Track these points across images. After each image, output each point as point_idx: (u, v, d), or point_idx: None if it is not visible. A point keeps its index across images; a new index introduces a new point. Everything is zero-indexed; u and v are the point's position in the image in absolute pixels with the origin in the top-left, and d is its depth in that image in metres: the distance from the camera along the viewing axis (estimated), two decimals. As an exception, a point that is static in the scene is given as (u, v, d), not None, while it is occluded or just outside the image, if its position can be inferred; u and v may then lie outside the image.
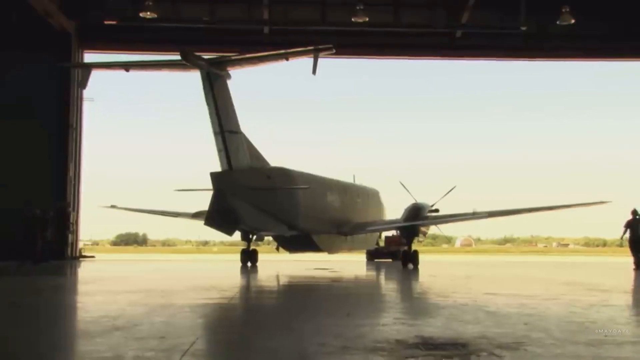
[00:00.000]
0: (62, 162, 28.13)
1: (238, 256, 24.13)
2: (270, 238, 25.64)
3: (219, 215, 18.59)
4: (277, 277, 17.05)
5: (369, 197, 27.31)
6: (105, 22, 28.74)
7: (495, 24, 29.49)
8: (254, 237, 23.11)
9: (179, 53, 17.96)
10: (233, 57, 18.98)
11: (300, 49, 18.05)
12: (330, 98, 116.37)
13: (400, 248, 26.89)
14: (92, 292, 11.17)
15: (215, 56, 18.96)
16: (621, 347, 5.22)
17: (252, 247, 23.82)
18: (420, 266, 21.93)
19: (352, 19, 28.05)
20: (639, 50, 31.12)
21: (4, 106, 27.66)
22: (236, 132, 19.01)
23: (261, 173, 19.76)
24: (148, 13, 27.13)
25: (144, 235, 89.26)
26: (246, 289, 11.50)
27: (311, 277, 16.64)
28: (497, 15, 29.42)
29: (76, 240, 29.16)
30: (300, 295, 11.59)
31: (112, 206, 28.59)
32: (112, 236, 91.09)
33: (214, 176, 18.38)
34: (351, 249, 27.36)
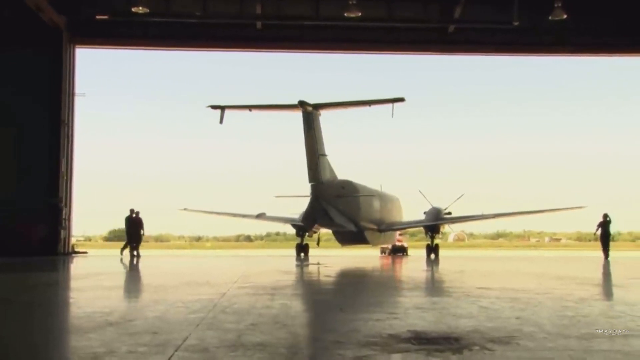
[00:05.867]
0: (55, 158, 28.01)
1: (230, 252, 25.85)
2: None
3: (315, 215, 25.64)
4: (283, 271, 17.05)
5: (393, 202, 33.21)
6: (97, 17, 28.57)
7: (487, 18, 29.52)
8: (307, 234, 29.31)
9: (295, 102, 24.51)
10: (327, 103, 25.48)
11: (380, 99, 24.92)
12: (321, 93, 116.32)
13: (403, 246, 35.49)
14: (85, 287, 11.14)
15: (317, 102, 24.98)
16: (612, 340, 5.26)
17: (304, 242, 29.67)
18: (413, 261, 24.41)
19: (345, 14, 28.01)
20: (631, 45, 31.24)
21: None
22: (325, 155, 25.48)
23: (338, 184, 26.40)
24: (140, 8, 26.95)
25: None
26: (244, 284, 11.48)
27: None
28: (490, 10, 29.46)
29: (68, 236, 29.07)
30: (300, 290, 11.60)
31: (184, 209, 34.04)
32: (105, 232, 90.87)
33: (313, 187, 24.87)
34: (384, 242, 33.43)
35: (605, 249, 27.52)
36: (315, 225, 27.84)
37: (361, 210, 27.60)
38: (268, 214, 31.35)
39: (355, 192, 27.19)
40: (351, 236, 28.65)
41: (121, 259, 23.99)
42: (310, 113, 24.68)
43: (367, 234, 29.07)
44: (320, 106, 25.06)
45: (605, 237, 27.70)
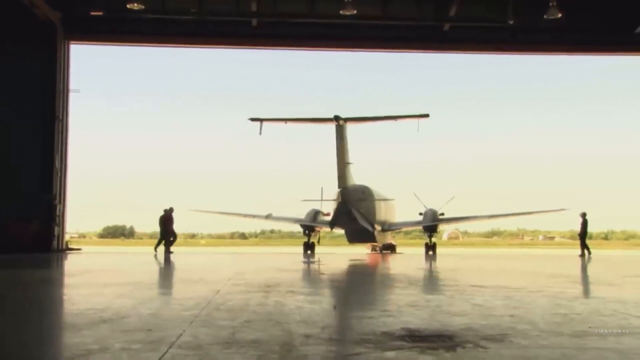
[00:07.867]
0: (49, 154, 27.90)
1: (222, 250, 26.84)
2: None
3: (342, 216, 28.19)
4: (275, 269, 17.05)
5: (392, 204, 35.24)
6: (92, 14, 28.44)
7: (483, 17, 29.53)
8: (312, 232, 32.12)
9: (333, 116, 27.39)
10: (356, 117, 28.26)
11: (405, 114, 27.99)
12: (316, 91, 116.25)
13: (392, 244, 37.05)
14: (79, 284, 11.12)
15: (349, 117, 27.59)
16: (604, 338, 5.29)
17: (311, 241, 32.10)
18: (407, 258, 25.80)
19: (341, 12, 27.97)
20: (626, 44, 31.30)
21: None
22: (350, 163, 28.26)
23: (359, 190, 29.37)
24: (135, 4, 26.82)
25: (131, 228, 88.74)
26: (239, 280, 11.47)
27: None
28: (485, 9, 29.47)
29: (62, 233, 28.96)
30: (294, 287, 11.59)
31: (195, 210, 36.67)
32: (99, 229, 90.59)
33: (341, 191, 27.56)
34: (386, 240, 35.92)
35: (584, 246, 29.13)
36: (336, 226, 30.27)
37: (376, 212, 30.74)
38: (274, 214, 34.48)
39: (371, 197, 30.39)
40: (363, 235, 31.02)
41: (168, 257, 23.96)
42: (342, 126, 27.29)
43: (376, 233, 31.67)
44: (348, 120, 27.62)
45: (583, 235, 29.54)
